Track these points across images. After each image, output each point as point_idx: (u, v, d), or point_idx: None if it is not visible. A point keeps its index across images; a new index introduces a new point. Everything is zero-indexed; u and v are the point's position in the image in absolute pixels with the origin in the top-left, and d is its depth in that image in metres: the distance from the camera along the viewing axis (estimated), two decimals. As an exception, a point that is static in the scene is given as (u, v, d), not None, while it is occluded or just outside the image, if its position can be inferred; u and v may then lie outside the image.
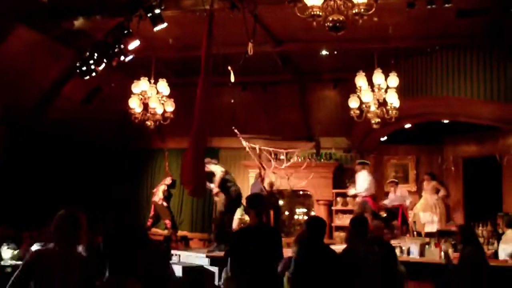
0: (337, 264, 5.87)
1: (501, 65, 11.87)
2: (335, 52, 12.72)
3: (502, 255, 10.59)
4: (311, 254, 5.86)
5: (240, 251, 6.03)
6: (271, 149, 13.79)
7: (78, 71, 10.47)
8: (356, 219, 6.83)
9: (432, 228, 14.24)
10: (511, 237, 10.73)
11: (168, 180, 15.85)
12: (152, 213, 15.58)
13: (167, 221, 15.36)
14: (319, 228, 6.03)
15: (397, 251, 10.68)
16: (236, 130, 12.92)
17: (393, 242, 11.47)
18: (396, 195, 14.57)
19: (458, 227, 9.92)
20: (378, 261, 6.13)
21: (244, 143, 13.11)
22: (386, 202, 14.59)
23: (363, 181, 13.70)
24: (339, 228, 14.81)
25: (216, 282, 9.80)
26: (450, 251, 10.57)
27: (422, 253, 10.84)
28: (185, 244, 15.42)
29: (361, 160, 14.60)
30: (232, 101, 14.88)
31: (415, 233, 13.72)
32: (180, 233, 15.93)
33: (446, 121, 14.14)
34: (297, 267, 5.84)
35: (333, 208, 15.41)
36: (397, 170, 16.17)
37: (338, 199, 15.46)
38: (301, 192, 16.21)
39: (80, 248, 4.81)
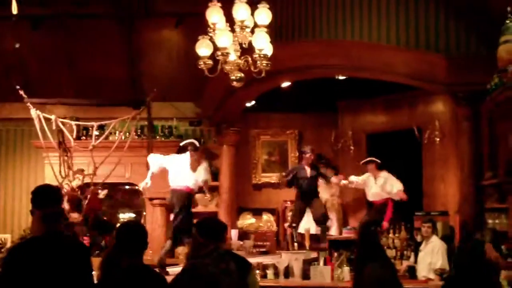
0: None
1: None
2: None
3: (422, 272, 11.01)
4: (116, 279, 5.73)
5: (19, 278, 5.74)
6: (78, 123, 13.54)
7: None
8: (204, 222, 6.71)
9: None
10: (437, 245, 11.13)
11: None
12: None
13: None
14: (134, 240, 5.87)
15: (270, 271, 10.88)
16: (21, 92, 12.53)
17: (263, 259, 11.68)
18: None
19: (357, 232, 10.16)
20: (234, 285, 6.11)
21: (34, 113, 12.69)
22: None
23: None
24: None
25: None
26: (346, 270, 10.85)
27: (306, 274, 11.04)
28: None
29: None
30: (17, 45, 14.42)
31: (296, 244, 13.84)
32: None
33: (342, 78, 14.37)
34: None
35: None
36: (271, 151, 16.30)
37: (184, 197, 15.41)
38: (127, 187, 16.10)
39: None
